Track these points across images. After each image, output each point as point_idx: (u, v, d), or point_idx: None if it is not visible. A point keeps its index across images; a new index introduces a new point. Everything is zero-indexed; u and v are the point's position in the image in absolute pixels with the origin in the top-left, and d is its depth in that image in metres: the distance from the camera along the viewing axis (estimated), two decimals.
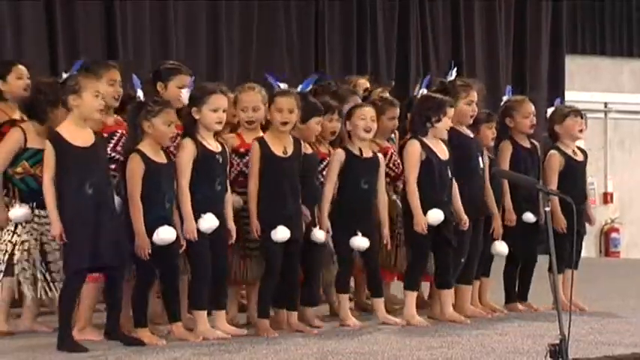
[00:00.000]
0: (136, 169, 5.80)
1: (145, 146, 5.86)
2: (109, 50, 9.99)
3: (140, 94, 5.96)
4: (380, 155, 6.70)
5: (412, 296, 6.67)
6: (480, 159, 6.87)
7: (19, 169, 6.06)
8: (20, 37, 9.59)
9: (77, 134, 5.70)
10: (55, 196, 5.64)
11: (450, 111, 6.63)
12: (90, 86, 5.72)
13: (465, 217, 6.66)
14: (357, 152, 6.55)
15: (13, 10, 9.57)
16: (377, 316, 6.65)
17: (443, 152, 6.64)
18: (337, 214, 6.52)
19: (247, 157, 6.32)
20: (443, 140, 6.67)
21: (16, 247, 6.02)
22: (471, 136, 6.93)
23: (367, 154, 6.59)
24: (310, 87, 6.61)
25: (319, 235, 6.41)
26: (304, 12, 11.57)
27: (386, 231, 6.60)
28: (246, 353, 5.61)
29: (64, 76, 5.97)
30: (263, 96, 6.45)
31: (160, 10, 10.54)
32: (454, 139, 6.77)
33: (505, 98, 7.34)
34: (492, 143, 7.17)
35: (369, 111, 6.58)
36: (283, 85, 6.42)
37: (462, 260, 6.79)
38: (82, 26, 9.97)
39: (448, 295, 6.73)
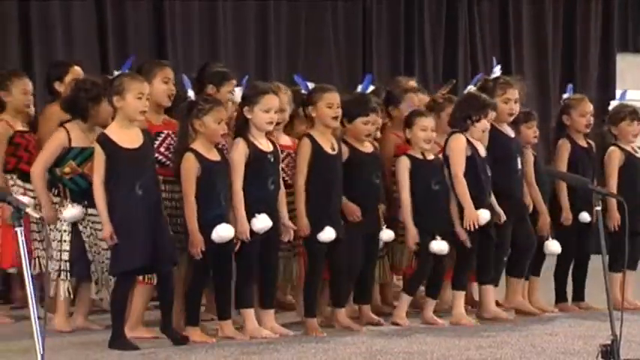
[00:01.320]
0: (190, 168, 5.83)
1: (198, 145, 5.89)
2: (158, 50, 10.05)
3: (191, 93, 6.00)
4: (440, 157, 6.72)
5: (461, 296, 6.64)
6: (519, 159, 6.83)
7: (66, 169, 6.11)
8: (70, 37, 9.67)
9: (125, 136, 5.74)
10: (105, 199, 5.68)
11: (492, 114, 6.61)
12: (133, 88, 5.75)
13: (502, 213, 6.62)
14: (419, 156, 6.57)
15: (63, 9, 9.65)
16: (423, 315, 6.64)
17: (482, 150, 6.63)
18: (414, 217, 6.52)
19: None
20: (480, 140, 6.65)
21: (76, 246, 6.07)
22: (512, 135, 6.90)
23: (430, 156, 6.61)
24: (370, 87, 6.61)
25: (387, 235, 6.41)
26: (352, 12, 11.56)
27: (458, 229, 6.57)
28: (294, 352, 5.62)
29: (116, 74, 6.02)
30: (289, 97, 6.45)
31: (208, 11, 10.58)
32: (493, 138, 6.74)
33: (565, 96, 7.33)
34: (535, 141, 7.14)
35: (429, 122, 6.59)
36: (311, 85, 6.42)
37: (505, 258, 6.76)
38: (131, 26, 10.03)
39: (490, 292, 6.70)
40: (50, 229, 6.13)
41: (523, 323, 6.63)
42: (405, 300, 6.60)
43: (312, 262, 6.25)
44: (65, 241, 6.09)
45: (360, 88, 6.58)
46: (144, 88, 5.80)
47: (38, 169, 6.09)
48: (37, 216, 3.79)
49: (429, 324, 6.56)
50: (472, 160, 6.55)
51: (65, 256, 6.07)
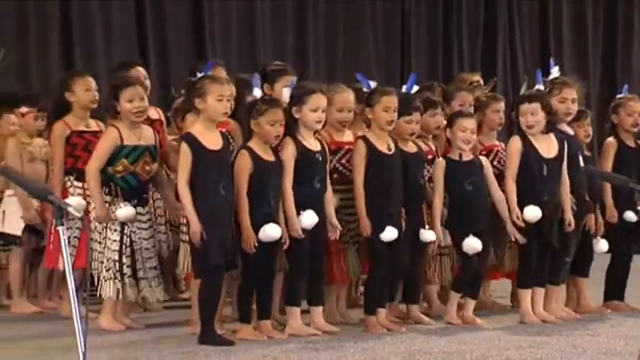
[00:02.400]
0: (243, 165, 5.88)
1: (254, 144, 5.94)
2: (197, 49, 10.10)
3: (257, 92, 6.04)
4: (482, 157, 6.72)
5: (527, 294, 6.62)
6: (580, 157, 6.80)
7: (119, 168, 6.16)
8: (110, 36, 9.74)
9: (208, 137, 5.81)
10: (190, 197, 5.73)
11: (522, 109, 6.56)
12: (214, 90, 5.81)
13: (571, 219, 6.60)
14: (456, 157, 6.58)
15: (103, 9, 9.73)
16: (463, 314, 6.63)
17: (548, 150, 6.59)
18: (449, 218, 6.54)
19: (339, 154, 6.39)
20: (560, 138, 6.61)
21: (125, 246, 6.13)
22: (571, 134, 6.87)
23: (467, 156, 6.60)
24: (414, 86, 6.60)
25: (428, 235, 6.42)
26: (390, 11, 11.54)
27: (508, 227, 6.56)
28: (333, 351, 5.62)
29: (199, 75, 6.08)
30: (353, 95, 6.49)
31: (246, 10, 10.62)
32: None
33: (618, 96, 7.30)
34: (586, 140, 7.11)
35: (470, 123, 6.59)
36: (373, 84, 6.42)
37: (567, 260, 6.73)
38: (170, 25, 10.09)
39: (533, 295, 6.67)
40: (100, 229, 6.17)
41: (564, 323, 6.58)
42: (454, 298, 6.60)
43: (374, 262, 6.28)
44: (115, 240, 6.13)
45: (404, 88, 6.57)
46: (224, 90, 5.85)
47: (92, 168, 6.15)
48: (79, 215, 3.81)
49: (468, 323, 6.54)
50: (525, 160, 6.55)
51: (115, 255, 6.12)
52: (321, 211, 6.07)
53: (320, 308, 6.21)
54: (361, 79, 6.50)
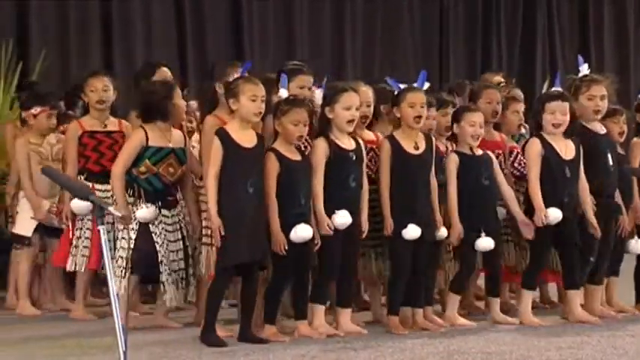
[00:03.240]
0: (271, 167, 5.88)
1: (279, 145, 5.95)
2: (235, 49, 10.14)
3: (282, 92, 6.05)
4: (489, 152, 6.66)
5: (529, 295, 6.60)
6: (610, 156, 6.73)
7: (142, 169, 6.18)
8: (150, 36, 9.81)
9: (242, 135, 5.82)
10: (216, 191, 5.75)
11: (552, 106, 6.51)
12: (247, 90, 5.82)
13: (595, 224, 6.54)
14: (467, 151, 6.54)
15: (143, 9, 9.79)
16: (492, 316, 6.59)
17: (567, 151, 6.54)
18: (460, 214, 6.47)
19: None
20: (577, 139, 6.57)
21: (138, 246, 6.13)
22: (601, 132, 6.80)
23: (478, 151, 6.57)
24: (425, 84, 6.58)
25: (443, 232, 6.39)
26: (428, 11, 11.52)
27: (520, 224, 6.51)
28: (371, 351, 5.61)
29: (235, 76, 6.10)
30: (372, 93, 6.46)
31: (284, 11, 10.64)
32: (581, 136, 6.65)
33: None
34: (620, 139, 7.04)
35: (478, 117, 6.55)
36: (403, 86, 6.42)
37: (592, 259, 6.67)
38: (209, 25, 10.14)
39: (575, 296, 6.62)
40: (121, 229, 6.19)
41: (604, 324, 6.53)
42: (454, 299, 6.54)
43: (396, 261, 6.26)
44: (132, 239, 6.15)
45: (415, 85, 6.53)
46: (258, 90, 5.86)
47: (118, 169, 6.18)
48: (119, 215, 3.84)
49: (498, 323, 6.51)
50: (546, 162, 6.50)
51: (128, 254, 6.14)
52: (356, 212, 6.06)
53: (348, 310, 6.18)
54: (392, 83, 6.48)
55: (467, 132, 6.51)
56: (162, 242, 6.17)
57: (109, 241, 6.23)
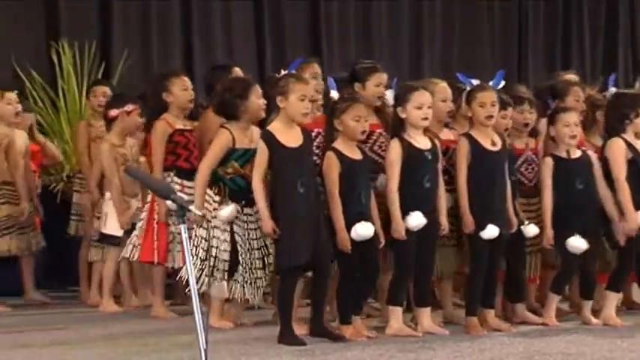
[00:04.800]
0: (332, 166, 5.88)
1: (339, 144, 5.94)
2: (314, 50, 10.16)
3: (334, 93, 6.05)
4: (591, 153, 6.59)
5: (614, 297, 6.52)
6: None
7: (229, 170, 6.22)
8: (229, 37, 9.88)
9: (287, 134, 5.82)
10: (264, 195, 5.77)
11: None
12: (297, 89, 5.83)
13: None
14: (564, 155, 6.47)
15: (223, 11, 9.87)
16: (582, 316, 6.53)
17: None
18: (555, 216, 6.42)
19: (448, 155, 6.34)
20: None
21: (226, 246, 6.19)
22: None
23: (575, 154, 6.48)
24: (501, 83, 6.53)
25: (531, 230, 6.33)
26: (508, 7, 11.41)
27: (617, 227, 6.45)
28: (450, 351, 5.58)
29: (282, 73, 6.11)
30: (449, 90, 6.44)
31: (363, 10, 10.64)
32: None
33: None
34: None
35: (572, 117, 6.48)
36: (475, 82, 6.37)
37: None
38: (288, 26, 10.18)
39: None
40: (212, 227, 6.23)
41: None
42: (552, 299, 6.48)
43: (475, 260, 6.22)
44: (226, 240, 6.20)
45: (491, 84, 6.48)
46: (307, 90, 5.87)
47: (204, 167, 6.21)
48: (201, 214, 3.87)
49: (585, 324, 6.45)
50: (633, 163, 6.42)
51: (225, 255, 6.18)
52: (431, 211, 6.02)
53: (427, 309, 6.16)
54: (463, 79, 6.43)
55: (563, 134, 6.44)
56: (244, 240, 6.21)
57: (205, 241, 6.27)
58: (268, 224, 5.75)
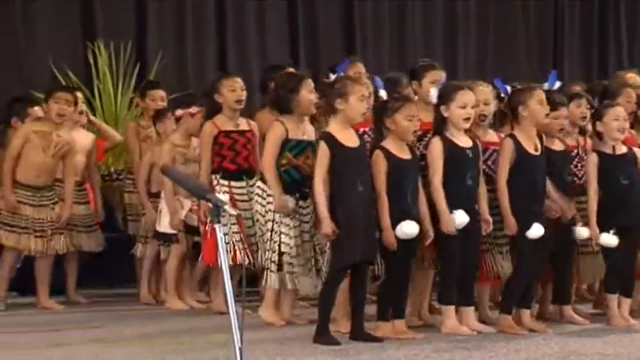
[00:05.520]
0: (380, 165, 5.90)
1: (388, 143, 5.95)
2: (348, 50, 10.16)
3: (382, 93, 6.05)
4: (637, 149, 6.58)
5: None
6: None
7: (283, 161, 6.26)
8: (263, 38, 9.91)
9: (345, 135, 5.86)
10: (324, 195, 5.79)
11: None
12: (357, 90, 5.85)
13: None
14: (609, 150, 6.45)
15: (257, 12, 9.90)
16: (620, 314, 6.51)
17: None
18: (600, 212, 6.40)
19: (486, 155, 6.33)
20: None
21: (282, 238, 6.23)
22: None
23: (621, 149, 6.47)
24: (556, 83, 6.51)
25: (582, 232, 6.34)
26: (543, 7, 11.36)
27: None
28: (485, 351, 5.57)
29: (332, 77, 6.12)
30: (492, 91, 6.44)
31: (397, 10, 10.63)
32: None
33: None
34: None
35: (621, 111, 6.46)
36: (509, 88, 6.34)
37: None
38: (322, 27, 10.19)
39: None
40: (265, 221, 6.28)
41: None
42: (611, 300, 6.47)
43: (520, 260, 6.21)
44: (278, 232, 6.23)
45: (546, 85, 6.47)
46: (365, 90, 5.90)
47: (266, 161, 6.25)
48: (235, 213, 3.89)
49: (620, 325, 6.42)
50: None
51: (283, 248, 6.22)
52: (473, 209, 6.03)
53: (471, 308, 6.17)
54: (498, 85, 6.42)
55: (612, 127, 6.41)
56: (297, 232, 6.23)
57: (260, 236, 6.33)
58: (328, 225, 5.77)
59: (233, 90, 6.83)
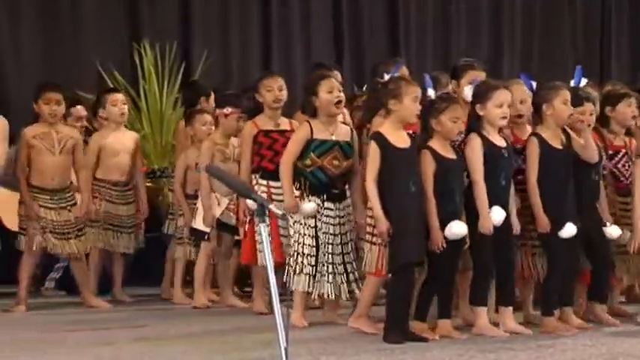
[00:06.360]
0: (428, 165, 5.89)
1: (435, 143, 5.94)
2: (392, 50, 10.15)
3: (431, 92, 6.04)
4: None
5: None
6: None
7: (308, 162, 6.26)
8: (308, 40, 9.93)
9: (397, 136, 5.86)
10: (378, 195, 5.79)
11: None
12: (411, 92, 5.86)
13: None
14: None
15: (301, 12, 9.92)
16: None
17: None
18: None
19: (524, 154, 6.28)
20: None
21: (305, 240, 6.23)
22: None
23: None
24: (582, 80, 6.44)
25: (614, 231, 6.27)
26: (590, 2, 11.26)
27: None
28: (531, 352, 5.53)
29: (386, 77, 6.12)
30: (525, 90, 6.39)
31: (442, 6, 10.59)
32: None
33: None
34: None
35: None
36: (535, 85, 6.29)
37: None
38: (367, 28, 10.19)
39: None
40: (294, 222, 6.28)
41: None
42: None
43: (553, 260, 6.17)
44: (305, 235, 6.24)
45: (572, 83, 6.40)
46: (419, 91, 5.90)
47: (284, 160, 6.29)
48: (280, 213, 3.90)
49: None
50: None
51: (306, 250, 6.23)
52: (506, 209, 5.99)
53: (510, 309, 6.12)
54: (524, 80, 6.37)
55: None
56: (324, 235, 6.23)
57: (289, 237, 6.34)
58: (384, 224, 5.76)
59: (270, 90, 6.84)
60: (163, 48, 9.02)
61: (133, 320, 6.82)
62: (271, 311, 3.92)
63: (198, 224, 7.31)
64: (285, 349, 3.73)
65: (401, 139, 5.87)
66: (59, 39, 8.96)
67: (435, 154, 5.91)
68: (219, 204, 7.24)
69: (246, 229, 6.81)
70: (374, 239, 5.94)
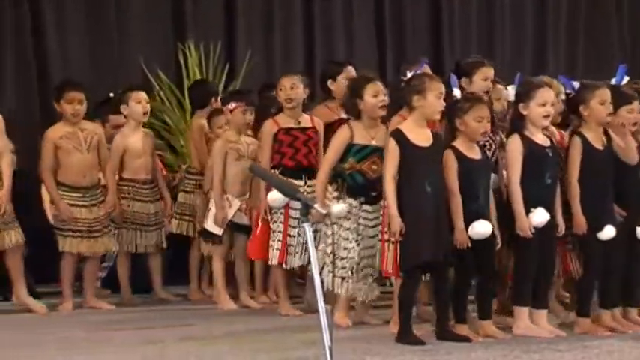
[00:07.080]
0: (451, 165, 5.86)
1: (459, 143, 5.92)
2: (435, 48, 10.12)
3: (456, 92, 6.02)
4: None
5: None
6: None
7: (346, 165, 6.27)
8: (351, 37, 9.92)
9: (418, 134, 5.83)
10: (394, 193, 5.78)
11: None
12: (435, 87, 5.84)
13: None
14: None
15: (345, 9, 9.92)
16: None
17: None
18: None
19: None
20: None
21: (340, 241, 6.24)
22: None
23: None
24: (624, 78, 6.37)
25: None
26: (637, 1, 11.15)
27: None
28: (577, 352, 5.50)
29: (409, 74, 6.12)
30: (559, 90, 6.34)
31: (486, 6, 10.54)
32: None
33: None
34: None
35: None
36: (576, 84, 6.23)
37: None
38: (409, 25, 10.16)
39: None
40: (331, 224, 6.27)
41: None
42: None
43: (590, 261, 6.12)
44: (346, 238, 6.24)
45: (614, 81, 6.34)
46: (442, 88, 5.88)
47: (324, 164, 6.32)
48: (325, 212, 3.90)
49: None
50: None
51: (342, 252, 6.24)
52: (551, 210, 5.95)
53: (544, 311, 6.07)
54: (563, 81, 6.32)
55: None
56: (359, 238, 6.22)
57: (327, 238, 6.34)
58: (397, 222, 5.75)
59: (282, 89, 6.87)
60: (207, 48, 9.07)
61: (177, 319, 6.84)
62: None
63: (210, 226, 7.30)
64: (330, 348, 3.73)
65: (422, 138, 5.82)
66: (105, 41, 9.02)
67: (459, 154, 5.87)
68: (230, 206, 7.24)
69: (260, 226, 6.80)
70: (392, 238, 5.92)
